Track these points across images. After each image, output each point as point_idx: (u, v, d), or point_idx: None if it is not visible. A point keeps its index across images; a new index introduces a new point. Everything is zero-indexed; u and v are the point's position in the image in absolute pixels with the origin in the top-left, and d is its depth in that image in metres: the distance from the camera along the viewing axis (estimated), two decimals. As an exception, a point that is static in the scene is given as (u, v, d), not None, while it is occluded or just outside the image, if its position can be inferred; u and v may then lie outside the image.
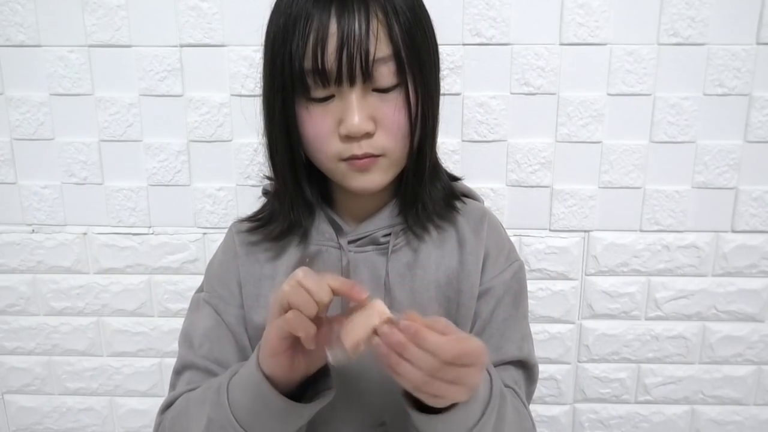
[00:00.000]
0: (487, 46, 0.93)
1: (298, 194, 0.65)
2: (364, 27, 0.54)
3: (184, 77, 0.95)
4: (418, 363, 0.46)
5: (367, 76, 0.56)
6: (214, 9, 0.92)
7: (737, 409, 1.08)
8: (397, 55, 0.57)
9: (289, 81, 0.57)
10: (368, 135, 0.58)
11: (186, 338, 0.68)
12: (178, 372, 0.67)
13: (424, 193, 0.65)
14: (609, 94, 0.94)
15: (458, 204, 0.69)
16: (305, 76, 0.56)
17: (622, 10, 0.91)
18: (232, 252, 0.70)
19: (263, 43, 0.61)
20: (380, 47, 0.55)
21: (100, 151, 0.99)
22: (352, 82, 0.56)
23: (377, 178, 0.61)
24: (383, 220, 0.66)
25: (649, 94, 0.94)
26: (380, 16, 0.55)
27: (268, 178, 0.71)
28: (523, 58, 0.93)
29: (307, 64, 0.55)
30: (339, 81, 0.55)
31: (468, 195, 0.73)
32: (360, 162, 0.59)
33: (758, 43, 0.91)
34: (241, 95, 0.95)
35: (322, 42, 0.54)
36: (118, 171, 1.00)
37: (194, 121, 0.97)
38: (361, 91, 0.56)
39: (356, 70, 0.55)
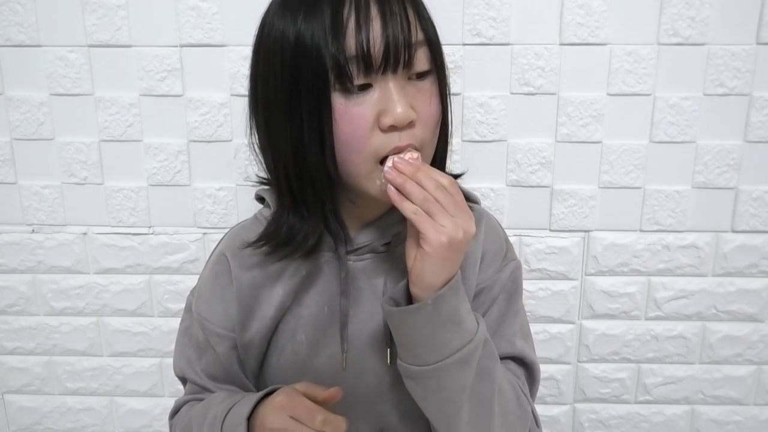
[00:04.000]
0: (487, 46, 0.93)
1: (329, 210, 0.61)
2: (402, 10, 0.54)
3: (184, 77, 0.95)
4: (423, 182, 0.53)
5: (409, 61, 0.54)
6: (214, 9, 0.92)
7: (737, 409, 1.08)
8: (429, 41, 0.56)
9: (322, 75, 0.53)
10: (411, 125, 0.55)
11: (183, 349, 0.72)
12: (182, 380, 0.72)
13: None
14: (609, 94, 0.94)
15: None
16: (348, 63, 0.52)
17: (622, 10, 0.90)
18: (226, 278, 0.67)
19: (255, 49, 0.60)
20: (417, 31, 0.55)
21: (100, 151, 0.99)
22: (395, 68, 0.54)
23: None
24: (382, 229, 0.65)
25: (649, 94, 0.94)
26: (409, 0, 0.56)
27: (262, 181, 0.69)
28: (523, 58, 0.93)
29: (350, 49, 0.52)
30: (385, 66, 0.53)
31: (465, 197, 0.72)
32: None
33: (758, 43, 0.91)
34: (241, 95, 0.95)
35: (366, 25, 0.52)
36: (118, 171, 1.00)
37: (194, 121, 0.97)
38: (400, 80, 0.55)
39: (401, 53, 0.53)
